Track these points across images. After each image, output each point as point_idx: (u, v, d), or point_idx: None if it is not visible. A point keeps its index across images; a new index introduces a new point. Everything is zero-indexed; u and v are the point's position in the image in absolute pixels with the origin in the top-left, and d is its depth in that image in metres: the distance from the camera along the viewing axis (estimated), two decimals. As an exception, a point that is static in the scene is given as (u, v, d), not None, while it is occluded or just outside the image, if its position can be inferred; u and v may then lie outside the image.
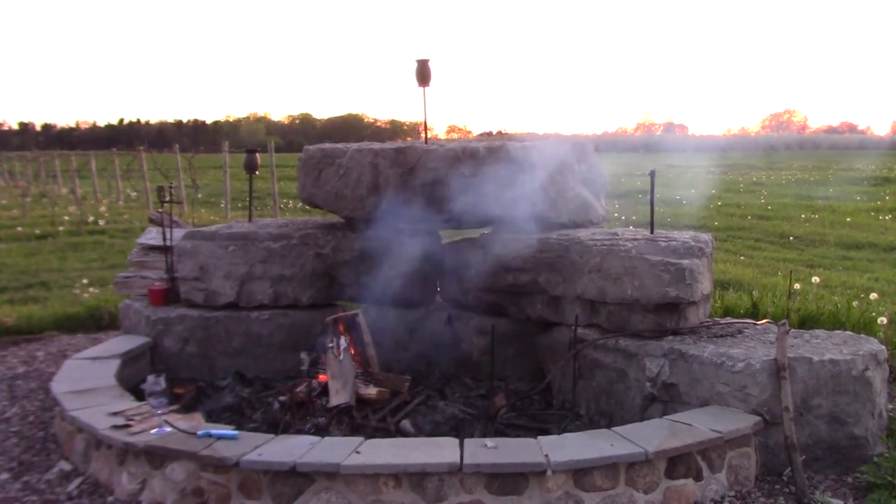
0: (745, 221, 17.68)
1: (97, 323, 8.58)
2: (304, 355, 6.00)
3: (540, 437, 4.31)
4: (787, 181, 29.68)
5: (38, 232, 16.55)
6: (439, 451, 4.10)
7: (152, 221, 7.42)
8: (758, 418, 4.50)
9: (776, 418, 4.51)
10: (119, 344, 6.31)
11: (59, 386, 5.35)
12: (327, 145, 6.41)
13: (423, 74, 6.22)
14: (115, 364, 5.78)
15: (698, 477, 4.25)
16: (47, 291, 10.46)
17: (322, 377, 5.43)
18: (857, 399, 4.64)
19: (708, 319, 5.55)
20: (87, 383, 5.36)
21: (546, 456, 3.99)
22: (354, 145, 6.25)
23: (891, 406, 5.40)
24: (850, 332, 5.39)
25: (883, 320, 6.76)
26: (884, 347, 4.96)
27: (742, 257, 12.81)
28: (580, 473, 4.00)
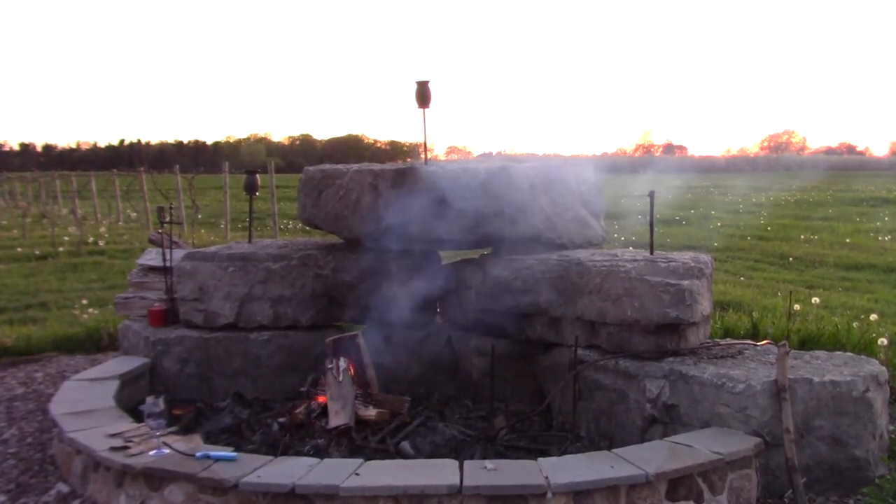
0: (745, 242, 17.70)
1: (96, 344, 8.56)
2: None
3: (540, 459, 4.29)
4: (787, 202, 29.73)
5: (37, 252, 16.56)
6: (439, 472, 4.08)
7: (152, 242, 7.42)
8: (759, 440, 4.48)
9: (777, 440, 4.49)
10: (118, 365, 6.30)
11: (57, 407, 5.34)
12: (327, 166, 6.42)
13: (423, 96, 6.25)
14: (113, 385, 5.77)
15: (699, 499, 4.23)
16: (46, 312, 10.45)
17: (321, 398, 5.41)
18: (858, 420, 4.63)
19: (708, 340, 5.54)
20: (85, 404, 5.35)
21: (546, 478, 3.97)
22: (354, 166, 6.27)
23: (892, 427, 5.39)
24: (851, 354, 5.39)
25: (883, 341, 6.75)
26: (884, 369, 4.95)
27: (742, 278, 12.82)
28: (580, 495, 3.97)
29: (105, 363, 6.58)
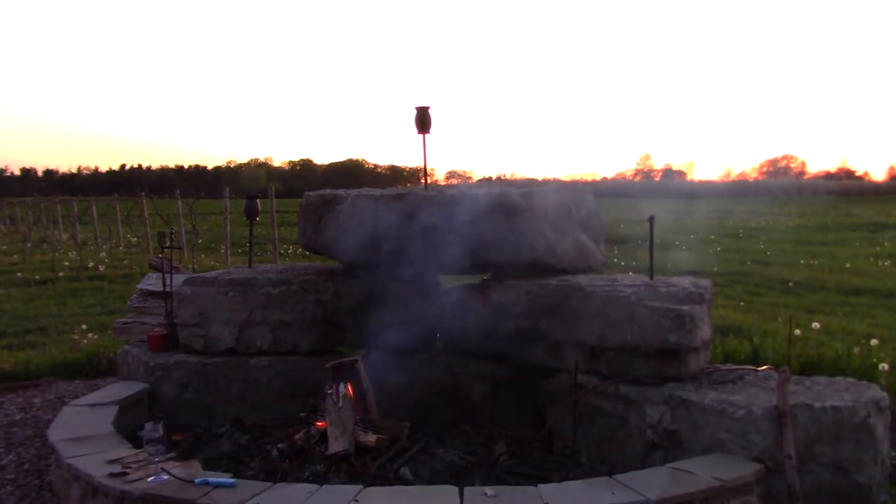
0: (745, 267, 17.71)
1: (95, 369, 8.55)
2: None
3: (540, 486, 4.26)
4: (786, 226, 29.77)
5: (38, 277, 16.56)
6: (439, 499, 4.06)
7: (152, 267, 7.43)
8: (760, 466, 4.46)
9: (778, 466, 4.47)
10: (117, 390, 6.28)
11: (55, 433, 5.32)
12: (327, 191, 6.44)
13: (423, 121, 6.28)
14: (112, 411, 5.75)
15: (701, 526, 4.20)
16: (46, 337, 10.43)
17: (320, 424, 5.39)
18: (859, 446, 4.60)
19: (709, 366, 5.53)
20: (84, 430, 5.33)
21: (547, 504, 3.95)
22: (354, 191, 6.29)
23: (894, 453, 5.36)
24: (852, 379, 5.36)
25: (884, 367, 6.74)
26: (885, 394, 4.93)
27: (742, 303, 12.81)
28: (581, 522, 3.95)
29: (104, 389, 6.56)
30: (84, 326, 10.79)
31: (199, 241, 19.54)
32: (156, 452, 4.63)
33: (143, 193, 22.66)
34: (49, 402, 7.35)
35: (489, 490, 4.16)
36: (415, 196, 5.90)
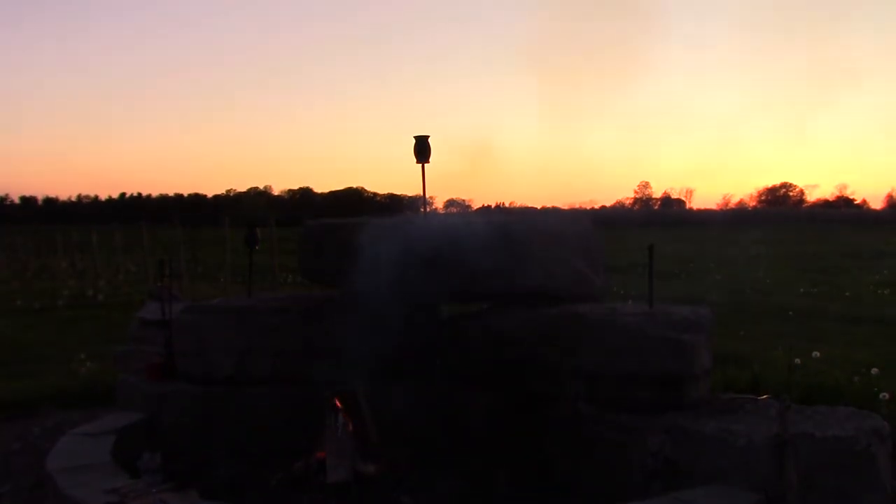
0: (744, 295, 17.70)
1: (94, 398, 8.50)
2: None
3: (540, 515, 4.24)
4: (785, 255, 29.80)
5: (37, 305, 16.55)
6: (438, 529, 4.03)
7: (151, 296, 7.43)
8: (761, 495, 4.43)
9: (779, 495, 4.44)
10: (115, 419, 6.26)
11: (53, 462, 5.29)
12: (327, 220, 6.47)
13: (422, 151, 6.31)
14: (110, 440, 5.72)
15: (702, 556, 4.17)
16: (45, 366, 10.40)
17: (320, 453, 5.37)
18: (861, 475, 4.58)
19: (709, 394, 5.51)
20: (82, 459, 5.30)
21: (547, 535, 3.92)
22: (354, 220, 6.31)
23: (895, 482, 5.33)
24: (853, 408, 5.35)
25: (885, 396, 6.72)
26: (886, 423, 4.91)
27: (742, 331, 12.78)
28: (582, 553, 3.92)
29: (102, 418, 6.53)
30: (83, 355, 10.76)
31: (199, 269, 19.55)
32: (153, 482, 4.62)
33: (142, 224, 22.71)
34: (47, 431, 7.31)
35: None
36: (414, 225, 5.92)
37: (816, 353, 8.32)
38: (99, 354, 10.87)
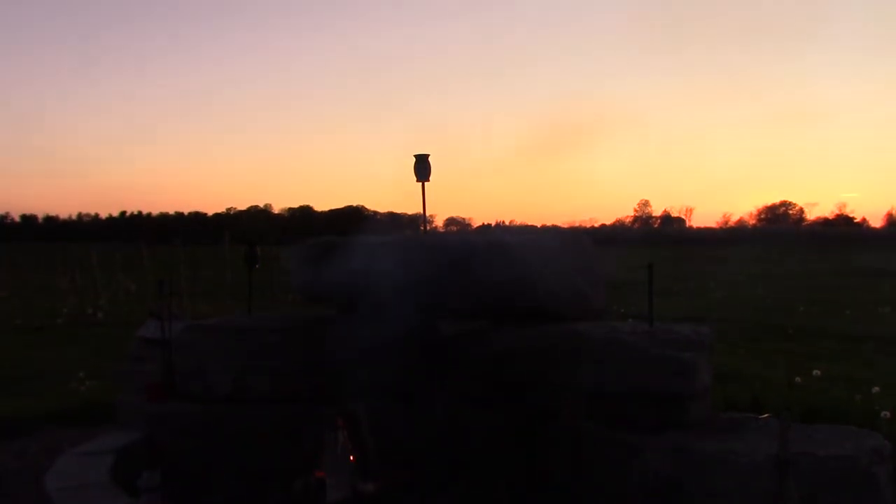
0: (744, 313, 17.68)
1: (93, 417, 8.47)
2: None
3: (541, 535, 4.22)
4: (786, 273, 29.80)
5: (37, 324, 16.53)
6: (438, 549, 4.01)
7: (151, 314, 7.42)
8: (762, 515, 4.42)
9: (781, 515, 4.43)
10: (114, 439, 6.24)
11: (51, 482, 5.27)
12: (326, 238, 6.47)
13: (422, 169, 6.34)
14: (109, 460, 5.70)
15: (703, 577, 4.15)
16: (44, 384, 10.38)
17: (319, 473, 5.35)
18: (862, 495, 4.56)
19: (709, 412, 5.50)
20: (80, 479, 5.28)
21: (547, 555, 3.90)
22: (353, 238, 6.32)
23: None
24: (853, 427, 5.34)
25: (886, 414, 6.70)
26: (888, 442, 4.90)
27: (742, 349, 12.78)
28: (582, 573, 3.91)
29: (101, 437, 6.51)
30: (82, 374, 10.74)
31: (199, 288, 19.55)
32: (153, 502, 4.60)
33: (143, 245, 22.73)
34: (45, 450, 7.27)
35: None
36: (414, 243, 5.94)
37: (817, 372, 8.31)
38: (99, 373, 10.85)
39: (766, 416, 5.46)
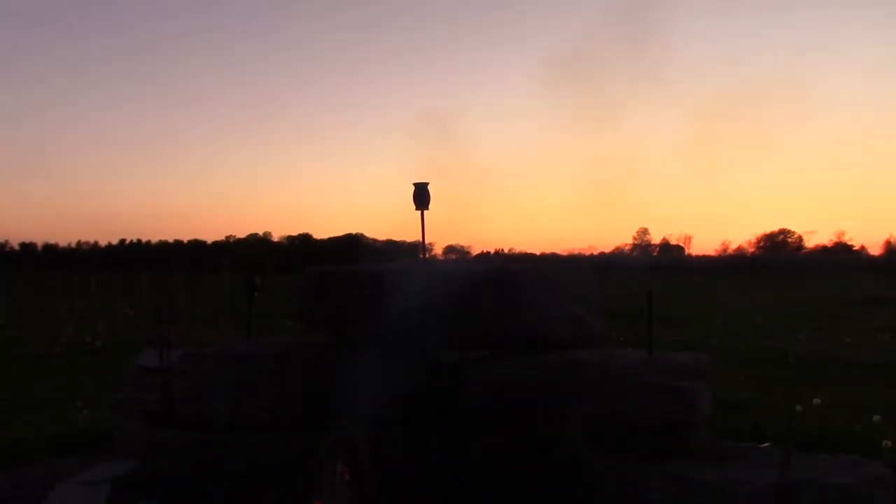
0: (745, 341, 17.66)
1: (90, 445, 8.43)
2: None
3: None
4: (784, 300, 29.79)
5: (35, 352, 16.49)
6: (437, 580, 3.98)
7: (150, 343, 7.41)
8: (764, 545, 4.39)
9: (783, 545, 4.40)
10: (111, 467, 6.22)
11: (48, 511, 5.24)
12: (327, 266, 6.48)
13: (421, 198, 6.35)
14: (106, 489, 5.68)
15: None
16: (42, 412, 10.33)
17: (317, 503, 5.32)
18: (864, 524, 4.54)
19: (709, 441, 5.48)
20: (77, 508, 5.25)
21: (547, 585, 3.87)
22: (353, 267, 6.32)
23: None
24: (855, 456, 5.31)
25: (887, 443, 6.68)
26: (889, 470, 4.88)
27: (742, 377, 12.74)
28: None
29: (98, 466, 6.48)
30: (80, 402, 10.69)
31: (198, 315, 19.53)
32: (150, 531, 4.57)
33: (143, 275, 22.75)
34: (42, 479, 7.23)
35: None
36: (413, 271, 5.94)
37: (817, 400, 8.28)
38: (96, 401, 10.80)
39: (767, 444, 5.44)
